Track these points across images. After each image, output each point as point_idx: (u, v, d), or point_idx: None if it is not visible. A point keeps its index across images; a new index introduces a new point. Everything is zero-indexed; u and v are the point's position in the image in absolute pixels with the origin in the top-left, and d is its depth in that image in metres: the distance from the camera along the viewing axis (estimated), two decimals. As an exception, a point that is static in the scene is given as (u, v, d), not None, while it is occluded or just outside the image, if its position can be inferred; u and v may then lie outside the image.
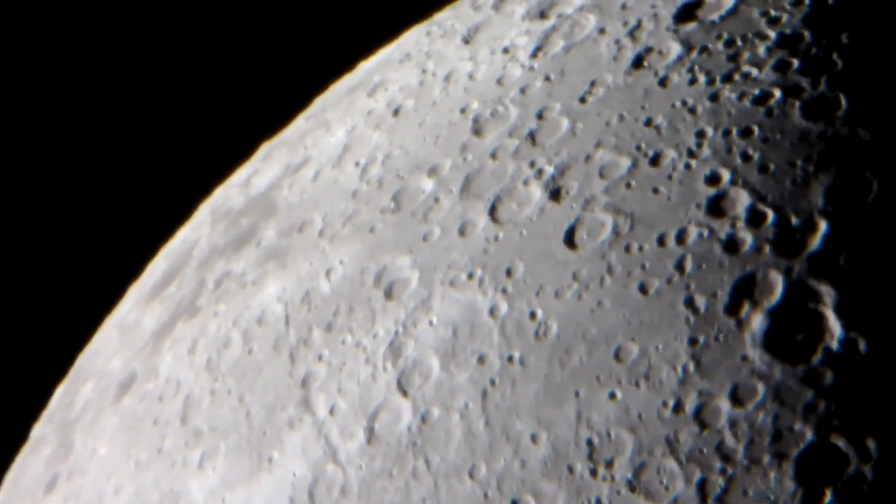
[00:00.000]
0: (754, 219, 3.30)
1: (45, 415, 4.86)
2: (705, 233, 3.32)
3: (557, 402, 3.20)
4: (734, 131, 3.52)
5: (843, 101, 3.49)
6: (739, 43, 3.79)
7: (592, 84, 3.92)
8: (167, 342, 4.27)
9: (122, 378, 4.34)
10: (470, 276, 3.57)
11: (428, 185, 3.95)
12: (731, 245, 3.28)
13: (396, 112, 4.44)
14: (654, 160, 3.55)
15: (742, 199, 3.35)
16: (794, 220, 3.27)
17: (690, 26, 3.95)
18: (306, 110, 5.28)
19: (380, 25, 6.35)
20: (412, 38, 5.11)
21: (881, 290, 3.08)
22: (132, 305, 4.80)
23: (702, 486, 2.96)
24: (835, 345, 3.04)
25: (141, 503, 3.84)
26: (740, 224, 3.30)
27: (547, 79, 4.07)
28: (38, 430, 4.78)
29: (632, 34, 4.04)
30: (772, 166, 3.39)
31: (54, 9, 9.49)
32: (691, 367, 3.11)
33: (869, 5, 3.77)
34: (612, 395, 3.15)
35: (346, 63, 5.39)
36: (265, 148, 5.18)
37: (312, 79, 5.70)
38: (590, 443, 3.11)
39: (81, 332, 5.12)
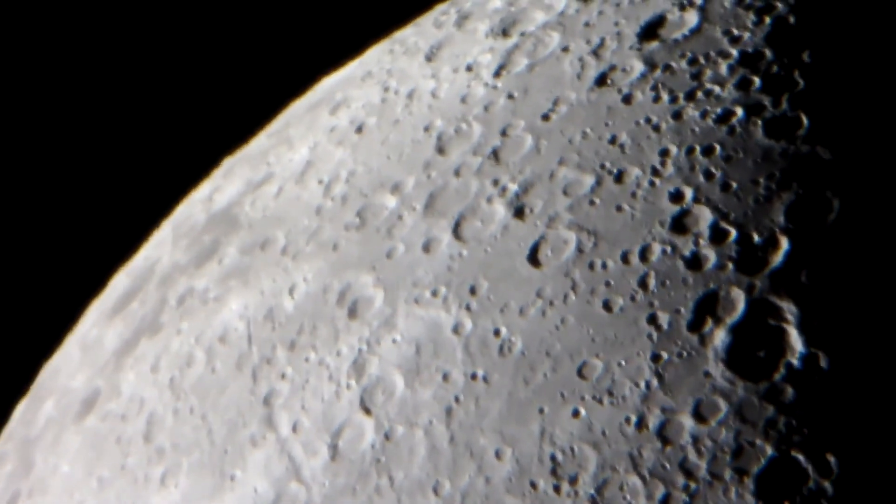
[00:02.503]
0: (717, 236, 3.32)
1: (6, 432, 4.82)
2: (668, 250, 3.33)
3: (521, 418, 3.20)
4: (697, 149, 3.53)
5: (805, 120, 3.51)
6: (702, 61, 3.81)
7: (556, 102, 3.93)
8: (130, 360, 4.25)
9: (85, 395, 4.32)
10: (434, 293, 3.57)
11: (391, 202, 3.95)
12: (694, 262, 3.29)
13: (359, 129, 4.44)
14: (618, 178, 3.56)
15: (705, 217, 3.37)
16: (756, 238, 3.28)
17: (654, 44, 3.97)
18: (268, 127, 5.27)
19: (342, 42, 6.35)
20: (374, 55, 5.11)
21: (842, 307, 3.11)
22: (94, 322, 4.77)
23: (665, 502, 2.97)
24: (796, 361, 3.06)
25: (103, 521, 3.83)
26: (703, 241, 3.32)
27: (510, 96, 4.08)
28: (-2, 447, 4.75)
29: (595, 52, 4.05)
30: (734, 184, 3.41)
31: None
32: (654, 383, 3.12)
33: (830, 24, 3.80)
34: (576, 412, 3.16)
35: (307, 80, 5.40)
36: (227, 164, 5.17)
37: (274, 95, 5.70)
38: (553, 459, 3.11)
39: (43, 349, 5.10)
